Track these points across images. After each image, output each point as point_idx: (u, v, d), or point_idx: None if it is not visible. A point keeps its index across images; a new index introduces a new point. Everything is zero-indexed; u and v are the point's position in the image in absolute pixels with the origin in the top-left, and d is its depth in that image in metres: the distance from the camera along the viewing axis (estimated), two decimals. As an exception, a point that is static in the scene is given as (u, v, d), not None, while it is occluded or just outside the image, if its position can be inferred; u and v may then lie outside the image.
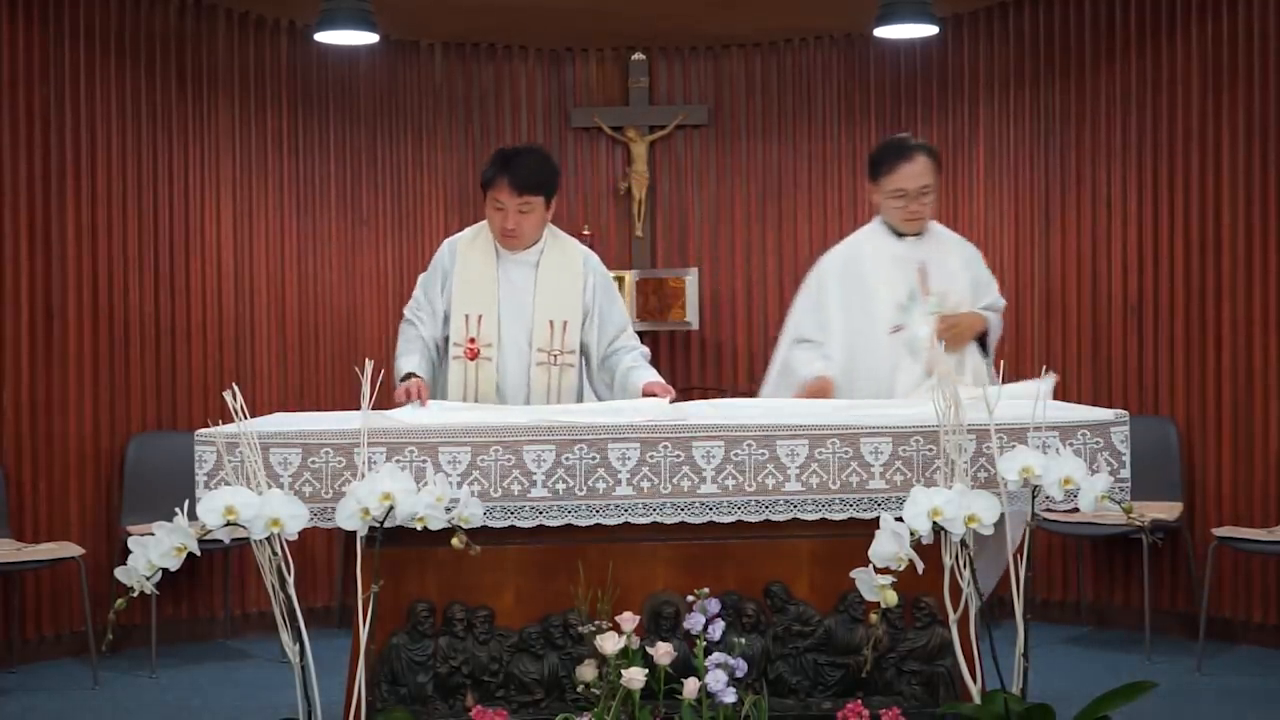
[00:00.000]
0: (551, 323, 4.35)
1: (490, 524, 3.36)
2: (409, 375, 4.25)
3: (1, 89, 6.08)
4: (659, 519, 3.39)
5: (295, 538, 3.24)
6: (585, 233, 7.52)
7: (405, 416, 3.74)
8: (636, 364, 4.49)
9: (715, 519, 3.39)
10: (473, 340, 4.17)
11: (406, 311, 4.61)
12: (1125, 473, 3.47)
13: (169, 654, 6.29)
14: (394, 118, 7.44)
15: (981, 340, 4.65)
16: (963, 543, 3.23)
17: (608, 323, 4.52)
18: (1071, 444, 3.42)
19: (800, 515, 3.39)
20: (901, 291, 4.61)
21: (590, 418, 3.51)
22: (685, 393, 7.54)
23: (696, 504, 3.39)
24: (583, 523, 3.39)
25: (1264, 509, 6.11)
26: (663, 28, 7.35)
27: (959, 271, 4.71)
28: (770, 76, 7.64)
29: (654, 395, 4.26)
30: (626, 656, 3.27)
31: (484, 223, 4.59)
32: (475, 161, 7.57)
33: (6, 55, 6.09)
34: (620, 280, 7.45)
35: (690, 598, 3.35)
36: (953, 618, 3.26)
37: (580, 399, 4.42)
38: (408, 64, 7.47)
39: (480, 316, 4.18)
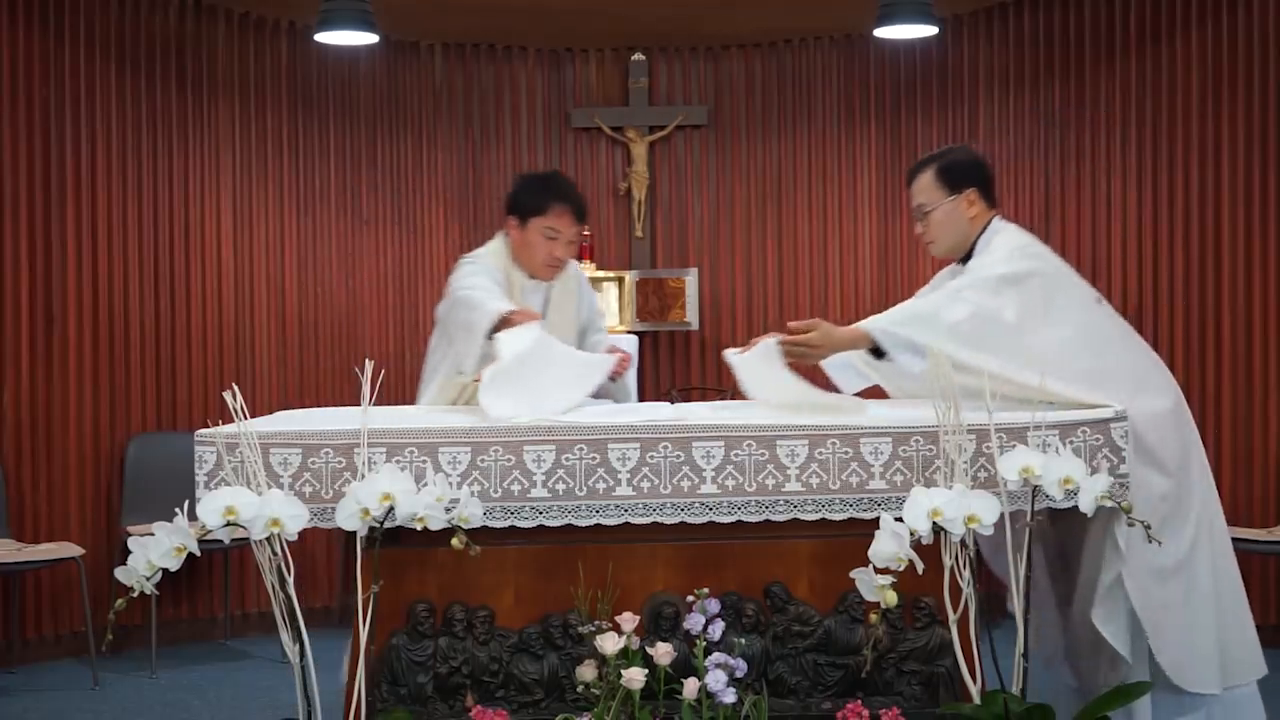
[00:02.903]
0: None
1: (490, 524, 3.36)
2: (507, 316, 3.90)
3: (2, 91, 6.08)
4: (659, 519, 3.39)
5: (295, 538, 3.23)
6: (585, 233, 7.53)
7: (515, 341, 3.68)
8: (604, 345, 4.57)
9: (715, 519, 3.39)
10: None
11: (469, 282, 4.18)
12: (1125, 468, 3.47)
13: (169, 654, 6.30)
14: (394, 118, 7.45)
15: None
16: (962, 543, 3.22)
17: (593, 327, 4.60)
18: (1072, 441, 3.42)
19: (800, 515, 3.39)
20: None
21: (590, 418, 3.51)
22: (685, 393, 7.55)
23: (697, 504, 3.38)
24: (583, 523, 3.39)
25: (1264, 509, 6.11)
26: (663, 28, 7.36)
27: None
28: (770, 76, 7.64)
29: (616, 350, 4.30)
30: (626, 657, 3.27)
31: (498, 248, 4.36)
32: (475, 161, 7.58)
33: (7, 57, 6.10)
34: (620, 281, 7.46)
35: (690, 598, 3.35)
36: (952, 618, 3.26)
37: None
38: (408, 64, 7.47)
39: None
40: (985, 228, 3.94)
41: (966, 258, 3.95)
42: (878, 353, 3.78)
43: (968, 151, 4.16)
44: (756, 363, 3.74)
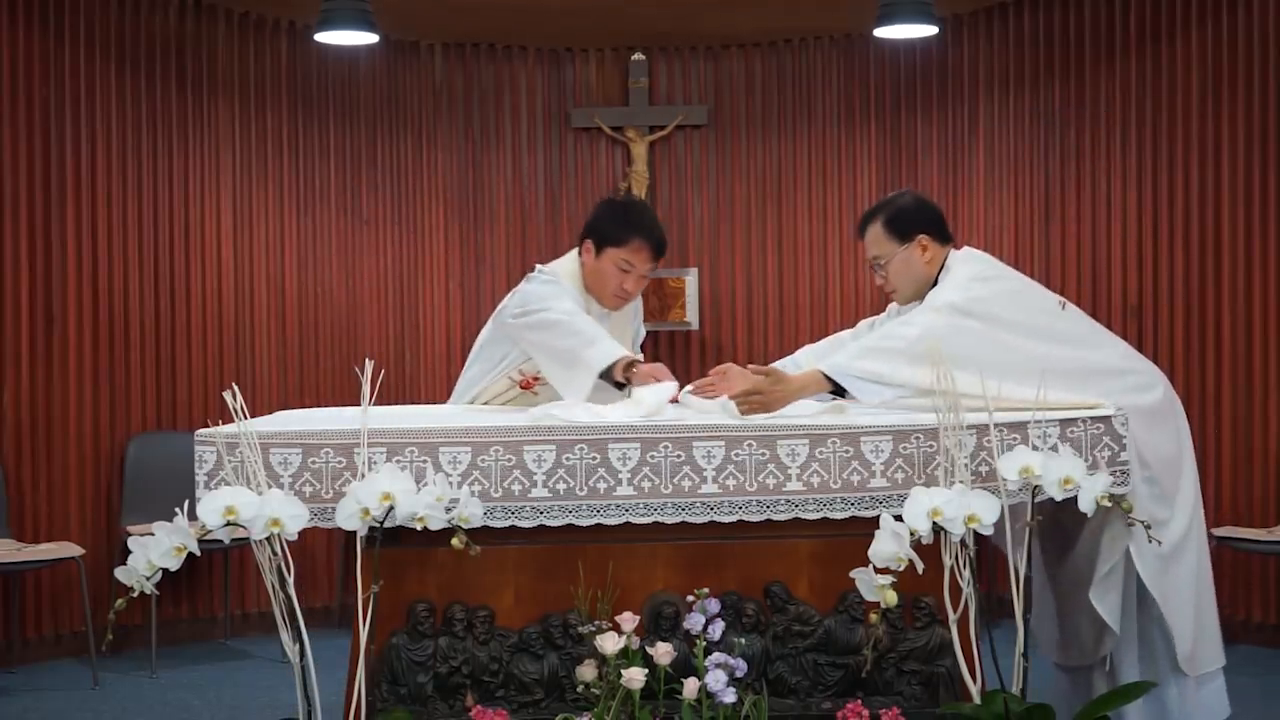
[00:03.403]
0: None
1: (490, 524, 3.36)
2: (631, 362, 3.84)
3: (2, 91, 6.08)
4: (660, 519, 3.39)
5: (295, 538, 3.23)
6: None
7: (652, 398, 3.63)
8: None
9: (716, 519, 3.39)
10: (537, 377, 4.13)
11: (564, 305, 4.05)
12: (1125, 454, 3.48)
13: (169, 654, 6.30)
14: (394, 118, 7.44)
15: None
16: (962, 543, 3.23)
17: (636, 337, 4.57)
18: (1073, 432, 3.43)
19: (802, 515, 3.39)
20: None
21: (591, 418, 3.51)
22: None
23: (697, 504, 3.38)
24: (583, 523, 3.39)
25: (1264, 509, 6.11)
26: (663, 28, 7.35)
27: None
28: (770, 76, 7.64)
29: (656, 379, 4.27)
30: (626, 656, 3.27)
31: (573, 269, 4.26)
32: (475, 161, 7.59)
33: (7, 57, 6.10)
34: (620, 280, 7.45)
35: (690, 598, 3.35)
36: (953, 618, 3.26)
37: None
38: (408, 64, 7.47)
39: None
40: (943, 265, 3.95)
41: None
42: (838, 393, 3.75)
43: (913, 197, 4.15)
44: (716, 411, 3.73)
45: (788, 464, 3.38)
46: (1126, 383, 3.78)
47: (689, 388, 3.87)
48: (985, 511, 3.17)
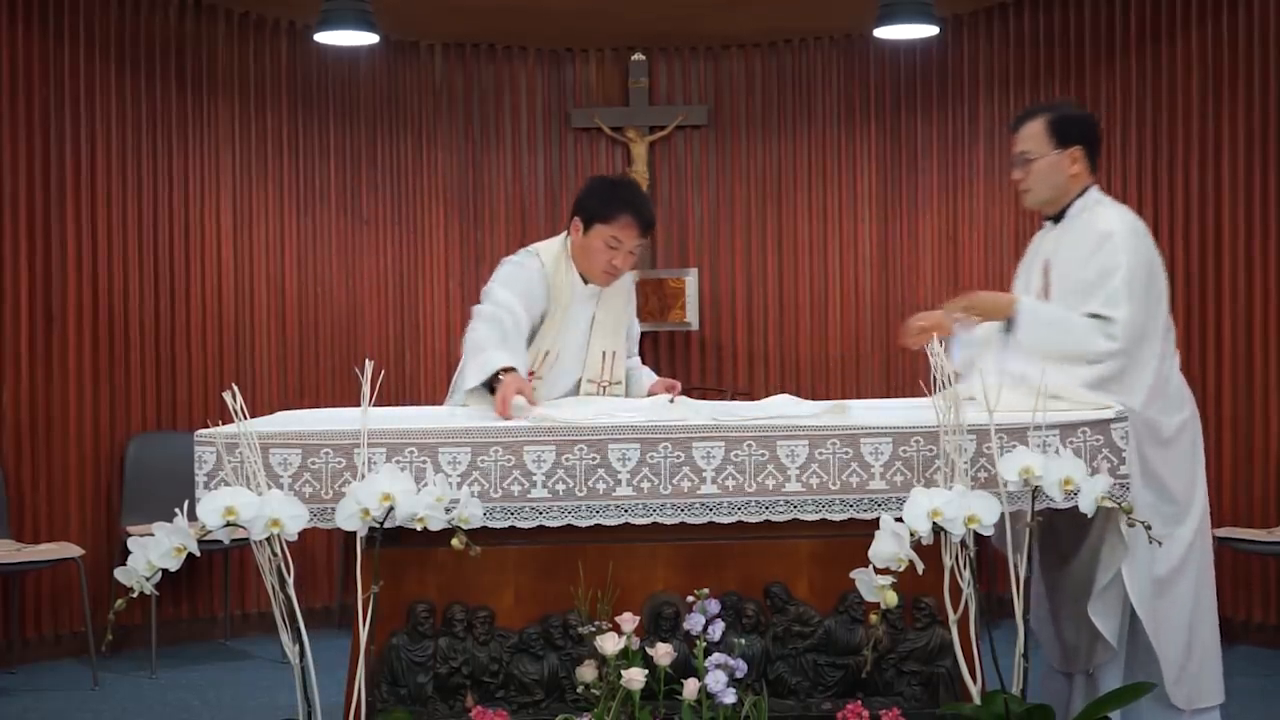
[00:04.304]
0: (604, 354, 4.28)
1: (490, 524, 3.36)
2: (507, 370, 3.76)
3: (2, 91, 6.08)
4: (659, 519, 3.39)
5: (295, 538, 3.23)
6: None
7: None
8: (638, 367, 4.52)
9: (715, 519, 3.39)
10: (531, 373, 4.12)
11: (488, 308, 4.04)
12: (1125, 469, 3.47)
13: (169, 654, 6.30)
14: (394, 118, 7.44)
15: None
16: (962, 543, 3.22)
17: (631, 334, 4.54)
18: (1072, 442, 3.41)
19: (800, 516, 3.39)
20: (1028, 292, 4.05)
21: (591, 419, 3.51)
22: (686, 394, 7.53)
23: (697, 504, 3.38)
24: (583, 523, 3.39)
25: (1264, 509, 6.11)
26: (663, 28, 7.36)
27: (1072, 272, 3.86)
28: (770, 76, 7.64)
29: (656, 394, 4.28)
30: (626, 657, 3.27)
31: (559, 247, 4.25)
32: (475, 161, 7.59)
33: (7, 58, 6.10)
34: (620, 280, 7.45)
35: (690, 598, 3.35)
36: (953, 618, 3.26)
37: None
38: (408, 64, 7.47)
39: (547, 352, 4.08)
40: (1083, 193, 3.94)
41: (1058, 217, 3.97)
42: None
43: (1081, 109, 4.15)
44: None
45: (787, 465, 3.38)
46: (1156, 405, 3.79)
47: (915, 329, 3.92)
48: (985, 512, 3.17)
